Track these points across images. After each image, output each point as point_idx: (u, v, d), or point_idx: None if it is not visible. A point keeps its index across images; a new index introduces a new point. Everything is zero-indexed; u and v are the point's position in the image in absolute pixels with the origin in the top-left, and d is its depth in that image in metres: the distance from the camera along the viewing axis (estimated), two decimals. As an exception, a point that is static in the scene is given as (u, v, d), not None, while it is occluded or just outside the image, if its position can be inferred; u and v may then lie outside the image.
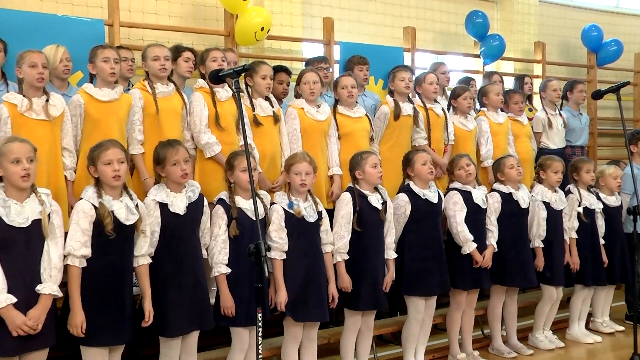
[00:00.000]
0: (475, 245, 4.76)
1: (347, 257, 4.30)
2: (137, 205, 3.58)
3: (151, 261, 3.64)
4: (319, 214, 4.18)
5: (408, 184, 4.67)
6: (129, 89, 4.56)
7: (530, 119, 6.55)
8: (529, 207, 5.10)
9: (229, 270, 3.88)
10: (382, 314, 5.03)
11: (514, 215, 5.03)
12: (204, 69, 4.61)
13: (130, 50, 5.06)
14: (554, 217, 5.24)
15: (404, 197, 4.62)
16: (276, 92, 5.36)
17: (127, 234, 3.52)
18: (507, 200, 5.01)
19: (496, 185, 5.11)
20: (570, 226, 5.40)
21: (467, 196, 4.80)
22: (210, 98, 4.52)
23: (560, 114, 6.72)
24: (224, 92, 4.59)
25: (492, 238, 4.90)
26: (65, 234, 3.44)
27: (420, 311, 4.65)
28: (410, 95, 5.54)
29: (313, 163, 4.17)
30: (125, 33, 5.74)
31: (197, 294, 3.77)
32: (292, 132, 4.83)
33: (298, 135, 4.82)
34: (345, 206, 4.32)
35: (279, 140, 4.80)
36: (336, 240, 4.27)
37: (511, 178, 5.05)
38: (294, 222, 4.06)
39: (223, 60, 4.60)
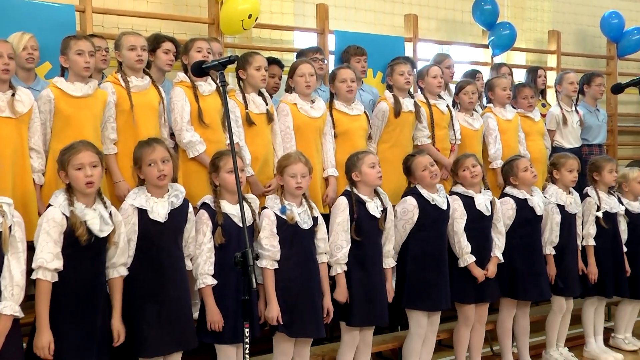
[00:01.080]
0: (474, 258, 4.77)
1: (346, 268, 4.33)
2: (110, 214, 3.57)
3: (127, 273, 3.65)
4: (314, 219, 4.21)
5: (416, 187, 4.71)
6: (101, 83, 4.56)
7: (543, 115, 6.57)
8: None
9: (215, 282, 3.89)
10: (381, 329, 5.06)
11: (528, 223, 5.04)
12: (187, 60, 4.63)
13: (104, 39, 5.07)
14: (568, 222, 5.25)
15: (412, 201, 4.63)
16: (267, 86, 5.37)
17: (100, 246, 3.52)
18: (522, 206, 5.02)
19: (509, 190, 5.11)
20: (587, 233, 5.41)
21: (468, 202, 4.81)
22: (191, 93, 4.54)
23: (577, 111, 6.76)
24: (206, 85, 4.62)
25: (498, 249, 4.92)
26: (29, 243, 3.41)
27: (423, 326, 4.69)
28: (412, 89, 5.58)
29: (309, 164, 4.20)
30: (99, 20, 5.75)
31: (178, 310, 3.77)
32: (284, 130, 4.86)
33: (291, 134, 4.85)
34: (341, 213, 4.34)
35: (271, 140, 4.83)
36: (334, 251, 4.29)
37: (526, 182, 5.05)
38: (286, 228, 4.08)
39: (209, 52, 4.63)
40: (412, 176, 4.72)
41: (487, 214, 4.86)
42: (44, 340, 3.33)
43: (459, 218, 4.76)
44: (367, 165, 4.41)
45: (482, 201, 4.85)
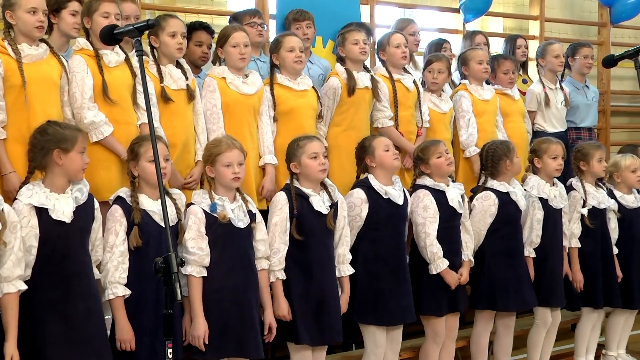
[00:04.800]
0: (447, 263, 4.82)
1: (284, 276, 4.36)
2: (2, 210, 3.52)
3: (25, 288, 3.59)
4: (252, 215, 4.22)
5: (366, 178, 4.73)
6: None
7: (523, 93, 6.64)
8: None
9: (128, 292, 3.88)
10: (332, 348, 5.09)
11: (511, 221, 5.11)
12: (89, 24, 4.54)
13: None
14: (553, 219, 5.32)
15: (360, 194, 4.67)
16: (193, 56, 5.34)
17: None
18: (505, 201, 5.07)
19: (490, 182, 5.14)
20: (571, 232, 5.49)
21: (439, 197, 4.84)
22: (94, 63, 4.47)
23: (562, 88, 6.82)
24: (113, 55, 4.55)
25: (470, 251, 4.99)
26: None
27: (381, 345, 4.72)
28: (369, 62, 5.60)
29: (243, 150, 4.22)
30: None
31: (89, 327, 3.75)
32: (210, 109, 4.83)
33: (219, 113, 4.83)
34: (279, 211, 4.36)
35: (192, 121, 4.81)
36: (270, 256, 4.32)
37: (516, 172, 5.12)
38: (217, 227, 4.07)
39: (118, 18, 4.54)
40: (370, 156, 4.71)
41: (460, 210, 4.92)
42: None
43: (431, 218, 4.79)
44: (307, 155, 4.42)
45: (454, 196, 4.90)
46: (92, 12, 4.54)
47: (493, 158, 5.16)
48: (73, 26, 4.76)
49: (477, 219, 5.07)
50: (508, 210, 5.09)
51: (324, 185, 4.54)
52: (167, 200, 3.94)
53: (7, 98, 4.26)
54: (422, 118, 5.70)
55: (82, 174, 3.80)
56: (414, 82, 5.70)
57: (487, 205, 5.06)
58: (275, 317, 4.33)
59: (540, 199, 5.29)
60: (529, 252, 5.28)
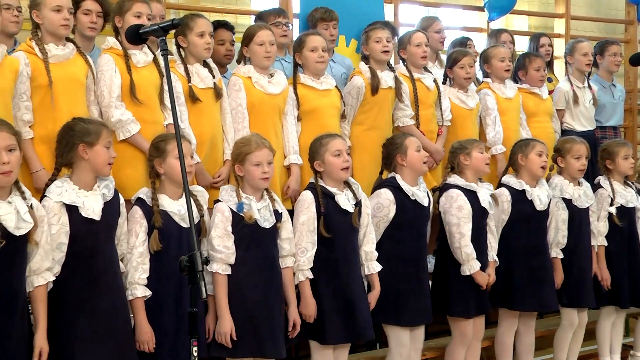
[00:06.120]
0: (479, 265, 4.82)
1: (312, 275, 4.37)
2: (31, 206, 3.55)
3: (53, 279, 3.63)
4: (278, 215, 4.23)
5: (393, 177, 4.74)
6: (12, 51, 4.47)
7: (550, 92, 6.60)
8: (548, 209, 5.16)
9: (148, 293, 3.91)
10: (355, 347, 5.11)
11: (527, 220, 5.09)
12: (120, 23, 4.57)
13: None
14: (578, 219, 5.30)
15: (388, 195, 4.67)
16: (217, 55, 5.35)
17: (18, 246, 3.49)
18: (519, 199, 5.07)
19: (506, 179, 5.15)
20: (597, 230, 5.46)
21: (471, 197, 4.83)
22: (123, 62, 4.50)
23: (590, 86, 6.79)
24: (142, 55, 4.58)
25: (494, 251, 4.99)
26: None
27: (405, 344, 4.72)
28: (392, 61, 5.60)
29: (272, 148, 4.23)
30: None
31: (116, 324, 3.79)
32: (235, 109, 4.85)
33: (244, 112, 4.85)
34: (306, 210, 4.37)
35: (220, 119, 4.84)
36: (298, 255, 4.33)
37: (533, 170, 5.08)
38: (243, 227, 4.09)
39: (149, 18, 4.57)
40: (402, 155, 4.70)
41: (491, 211, 4.92)
42: None
43: (465, 218, 4.78)
44: (331, 153, 4.42)
45: (485, 196, 4.90)
46: (124, 11, 4.57)
47: (511, 153, 5.21)
48: (87, 25, 4.78)
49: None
50: (522, 208, 5.08)
51: (347, 184, 4.54)
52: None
53: (34, 98, 4.30)
54: (442, 117, 5.70)
55: (108, 168, 3.83)
56: (434, 80, 5.70)
57: (499, 202, 5.05)
58: (300, 316, 4.33)
59: (564, 199, 5.28)
60: (557, 253, 5.27)
